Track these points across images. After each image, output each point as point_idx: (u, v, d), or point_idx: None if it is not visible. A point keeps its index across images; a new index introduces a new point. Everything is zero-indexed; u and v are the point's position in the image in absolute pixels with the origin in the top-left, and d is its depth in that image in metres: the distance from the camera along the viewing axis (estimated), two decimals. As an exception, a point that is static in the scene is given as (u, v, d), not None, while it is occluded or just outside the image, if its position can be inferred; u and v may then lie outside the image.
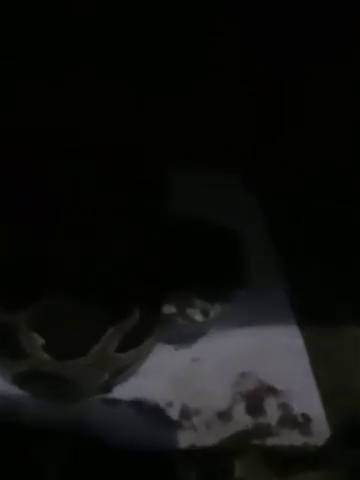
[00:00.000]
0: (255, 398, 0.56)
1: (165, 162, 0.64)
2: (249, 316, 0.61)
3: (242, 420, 0.55)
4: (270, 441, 0.54)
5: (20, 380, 0.53)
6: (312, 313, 0.61)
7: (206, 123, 0.68)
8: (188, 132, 0.67)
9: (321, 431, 0.55)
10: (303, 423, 0.55)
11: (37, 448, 0.51)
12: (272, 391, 0.57)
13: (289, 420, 0.55)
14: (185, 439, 0.54)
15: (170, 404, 0.55)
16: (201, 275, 0.57)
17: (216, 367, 0.58)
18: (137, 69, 0.66)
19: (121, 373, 0.54)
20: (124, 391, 0.56)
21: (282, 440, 0.54)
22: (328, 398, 0.56)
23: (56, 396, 0.53)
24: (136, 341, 0.53)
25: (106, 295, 0.53)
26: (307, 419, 0.55)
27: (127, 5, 0.61)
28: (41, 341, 0.51)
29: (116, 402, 0.55)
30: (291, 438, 0.54)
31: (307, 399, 0.57)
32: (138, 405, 0.55)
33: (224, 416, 0.55)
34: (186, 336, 0.59)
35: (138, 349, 0.54)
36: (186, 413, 0.55)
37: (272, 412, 0.56)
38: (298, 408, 0.56)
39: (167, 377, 0.57)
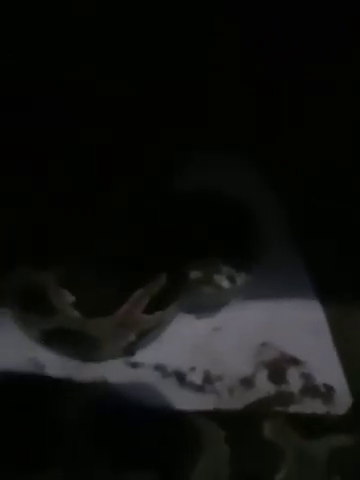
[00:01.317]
0: (277, 367, 0.56)
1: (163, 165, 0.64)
2: (271, 290, 0.61)
3: (264, 387, 0.55)
4: (293, 408, 0.54)
5: (47, 337, 0.53)
6: (333, 288, 0.61)
7: (206, 123, 0.68)
8: (188, 132, 0.67)
9: (343, 401, 0.55)
10: (325, 393, 0.55)
11: (59, 406, 0.50)
12: (294, 361, 0.57)
13: (311, 389, 0.55)
14: (208, 403, 0.53)
15: (193, 369, 0.55)
16: (226, 243, 0.57)
17: (237, 337, 0.58)
18: (137, 69, 0.66)
19: (146, 335, 0.54)
20: (147, 356, 0.55)
21: (304, 408, 0.54)
22: (350, 369, 0.56)
23: (81, 355, 0.53)
24: (162, 304, 0.54)
25: (135, 258, 0.53)
26: (329, 389, 0.55)
27: (127, 5, 0.61)
28: (71, 298, 0.50)
29: (139, 365, 0.55)
30: (313, 406, 0.54)
31: (329, 370, 0.57)
32: (161, 368, 0.55)
33: (247, 382, 0.55)
34: (209, 306, 0.59)
35: (164, 312, 0.54)
36: (209, 378, 0.55)
37: (294, 381, 0.56)
38: (320, 378, 0.56)
39: (189, 344, 0.57)
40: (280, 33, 0.64)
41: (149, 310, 0.53)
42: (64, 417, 0.49)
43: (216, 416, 0.51)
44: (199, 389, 0.54)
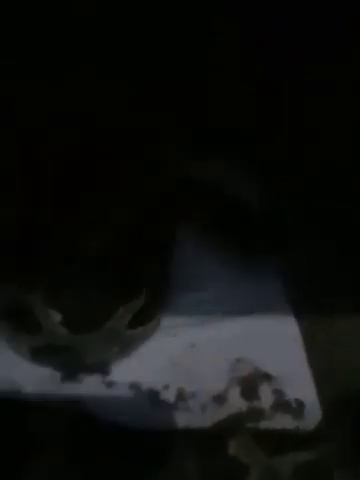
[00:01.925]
0: (250, 383, 0.58)
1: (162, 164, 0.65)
2: (246, 304, 0.62)
3: (236, 403, 0.57)
4: (263, 424, 0.55)
5: (36, 354, 0.56)
6: (307, 301, 0.62)
7: (205, 123, 0.68)
8: (187, 132, 0.67)
9: (313, 416, 0.56)
10: (296, 408, 0.57)
11: (35, 425, 0.53)
12: (267, 377, 0.58)
13: (282, 405, 0.57)
14: (180, 420, 0.55)
15: (166, 387, 0.57)
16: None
17: (213, 353, 0.60)
18: (137, 69, 0.67)
19: (128, 349, 0.57)
20: (122, 374, 0.57)
21: (275, 424, 0.56)
22: (321, 383, 0.57)
23: (67, 369, 0.56)
24: (144, 320, 0.57)
25: (118, 277, 0.55)
26: (300, 404, 0.57)
27: (127, 5, 0.62)
28: (57, 316, 0.53)
29: (114, 384, 0.57)
30: (284, 422, 0.56)
31: (301, 385, 0.58)
32: (136, 387, 0.57)
33: (219, 399, 0.57)
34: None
35: (146, 327, 0.58)
36: (182, 396, 0.57)
37: (266, 397, 0.57)
38: (292, 394, 0.57)
39: (165, 361, 0.59)
40: (280, 33, 0.64)
41: (132, 325, 0.56)
42: (39, 436, 0.51)
43: (185, 434, 0.53)
44: (172, 407, 0.56)
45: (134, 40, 0.64)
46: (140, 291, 0.56)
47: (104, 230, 0.60)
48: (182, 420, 0.55)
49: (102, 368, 0.57)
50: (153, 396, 0.56)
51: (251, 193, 0.68)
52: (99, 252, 0.57)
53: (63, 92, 0.63)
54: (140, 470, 0.50)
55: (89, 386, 0.57)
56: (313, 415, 0.56)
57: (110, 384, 0.57)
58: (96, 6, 0.61)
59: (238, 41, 0.64)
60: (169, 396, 0.57)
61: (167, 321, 0.61)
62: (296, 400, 0.57)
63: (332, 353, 0.60)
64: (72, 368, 0.57)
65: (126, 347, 0.58)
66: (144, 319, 0.58)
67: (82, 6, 0.60)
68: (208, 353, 0.60)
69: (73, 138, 0.61)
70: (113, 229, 0.59)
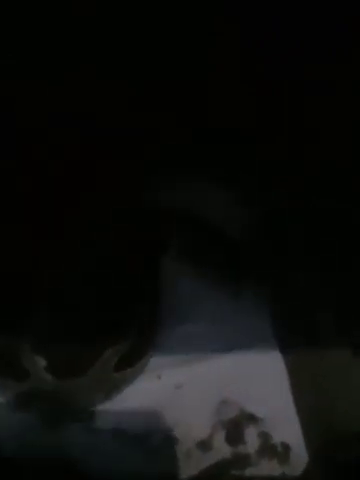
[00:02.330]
0: (235, 426, 0.57)
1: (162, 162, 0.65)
2: (232, 340, 0.62)
3: (222, 449, 0.56)
4: (249, 471, 0.55)
5: (21, 400, 0.56)
6: (294, 339, 0.62)
7: (205, 123, 0.68)
8: (187, 132, 0.67)
9: (299, 459, 0.56)
10: (282, 452, 0.56)
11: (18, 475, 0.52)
12: (252, 419, 0.58)
13: (268, 449, 0.56)
14: (165, 468, 0.55)
15: (150, 433, 0.56)
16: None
17: (198, 394, 0.59)
18: (137, 69, 0.66)
19: (115, 392, 0.57)
20: (106, 420, 0.57)
21: (261, 470, 0.55)
22: (308, 425, 0.57)
23: (53, 415, 0.56)
24: (132, 361, 0.57)
25: (104, 319, 0.55)
26: (286, 448, 0.56)
27: (127, 5, 0.61)
28: (43, 362, 0.53)
29: (98, 430, 0.56)
30: (270, 468, 0.55)
31: (287, 427, 0.58)
32: (119, 433, 0.56)
33: (204, 446, 0.56)
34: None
35: (133, 369, 0.57)
36: (167, 442, 0.56)
37: (252, 441, 0.57)
38: (278, 437, 0.57)
39: (149, 405, 0.58)
40: (280, 33, 0.63)
41: (120, 367, 0.56)
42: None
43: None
44: (156, 453, 0.55)
45: (134, 40, 0.63)
46: (127, 331, 0.56)
47: (88, 266, 0.59)
48: (167, 468, 0.55)
49: (86, 415, 0.57)
50: (138, 442, 0.56)
51: (235, 223, 0.67)
52: (84, 293, 0.56)
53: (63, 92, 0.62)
54: None
55: (72, 433, 0.56)
56: (299, 458, 0.56)
57: (93, 430, 0.56)
58: (96, 6, 0.60)
59: (238, 41, 0.63)
60: (153, 442, 0.56)
61: (152, 361, 0.61)
62: (282, 443, 0.57)
63: (318, 390, 0.60)
64: (56, 415, 0.56)
65: (112, 391, 0.58)
66: (132, 360, 0.57)
67: (82, 6, 0.59)
68: (193, 395, 0.59)
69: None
70: (97, 265, 0.59)
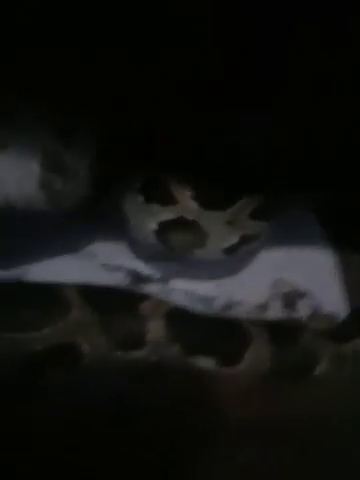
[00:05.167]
0: (289, 298, 0.65)
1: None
2: (286, 237, 0.69)
3: (277, 314, 0.64)
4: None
5: (162, 228, 0.59)
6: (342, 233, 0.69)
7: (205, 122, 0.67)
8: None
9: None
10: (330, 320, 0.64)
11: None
12: (304, 295, 0.66)
13: (318, 317, 0.64)
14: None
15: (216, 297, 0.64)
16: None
17: (257, 272, 0.67)
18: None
19: (247, 242, 0.61)
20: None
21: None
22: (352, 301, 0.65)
23: (187, 248, 0.60)
24: (264, 217, 0.61)
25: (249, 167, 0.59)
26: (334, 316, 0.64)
27: (127, 5, 0.60)
28: (190, 191, 0.57)
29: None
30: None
31: (334, 302, 0.65)
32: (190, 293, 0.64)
33: (262, 308, 0.64)
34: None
35: (265, 223, 0.61)
36: (229, 305, 0.64)
37: (304, 310, 0.65)
38: (327, 308, 0.65)
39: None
40: (280, 33, 0.64)
41: (254, 216, 0.60)
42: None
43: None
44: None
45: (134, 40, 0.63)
46: (262, 186, 0.59)
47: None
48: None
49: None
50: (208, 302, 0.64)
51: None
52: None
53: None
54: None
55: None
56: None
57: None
58: (96, 6, 0.61)
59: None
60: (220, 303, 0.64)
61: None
62: (330, 313, 0.64)
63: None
64: (187, 248, 0.60)
65: (245, 240, 0.61)
66: (265, 215, 0.61)
67: (82, 6, 0.60)
68: (252, 272, 0.67)
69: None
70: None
